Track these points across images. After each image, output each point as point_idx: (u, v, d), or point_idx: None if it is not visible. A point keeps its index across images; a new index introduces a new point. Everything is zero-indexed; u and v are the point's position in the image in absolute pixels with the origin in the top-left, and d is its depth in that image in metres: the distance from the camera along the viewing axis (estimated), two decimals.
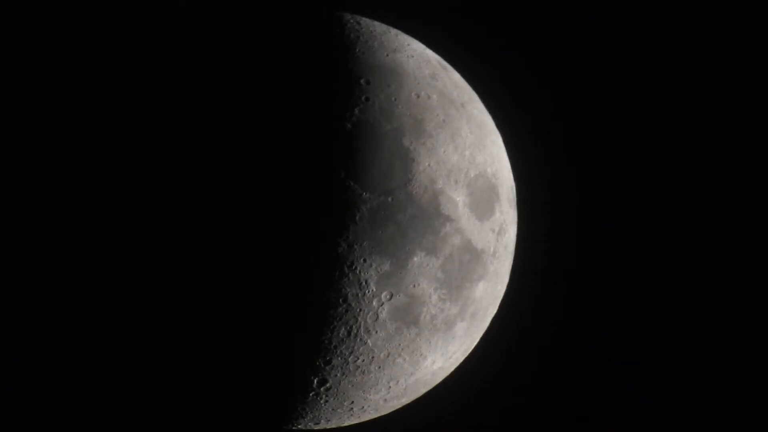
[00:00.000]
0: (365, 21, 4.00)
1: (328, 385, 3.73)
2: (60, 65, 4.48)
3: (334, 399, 3.81)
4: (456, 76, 4.12)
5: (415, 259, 3.55)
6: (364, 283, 3.49)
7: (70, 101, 4.03)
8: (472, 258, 3.77)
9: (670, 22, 5.82)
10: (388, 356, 3.71)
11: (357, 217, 3.43)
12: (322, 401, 3.81)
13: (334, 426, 4.12)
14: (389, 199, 3.48)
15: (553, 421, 5.76)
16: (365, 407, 3.98)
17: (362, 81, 3.62)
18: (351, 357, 3.64)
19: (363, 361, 3.67)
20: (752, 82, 5.76)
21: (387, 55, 3.81)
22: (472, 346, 4.26)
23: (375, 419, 4.28)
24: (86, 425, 4.74)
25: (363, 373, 3.72)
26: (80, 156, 3.76)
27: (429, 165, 3.59)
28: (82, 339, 3.94)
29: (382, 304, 3.55)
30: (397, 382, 3.88)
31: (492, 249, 3.90)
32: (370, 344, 3.63)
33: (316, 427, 4.08)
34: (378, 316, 3.57)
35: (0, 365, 4.55)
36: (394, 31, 4.06)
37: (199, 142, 3.47)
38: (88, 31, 4.73)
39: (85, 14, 4.85)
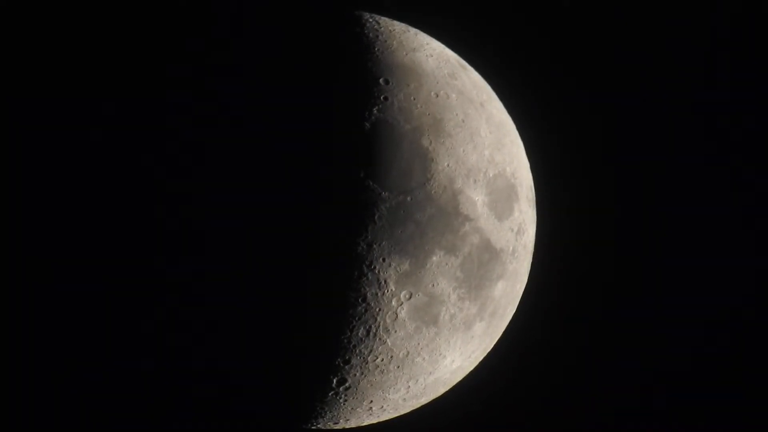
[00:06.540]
0: (384, 20, 4.00)
1: (347, 384, 3.73)
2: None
3: (353, 398, 3.82)
4: (475, 76, 4.11)
5: (434, 258, 3.55)
6: (383, 282, 3.49)
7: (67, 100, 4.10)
8: (491, 257, 3.76)
9: (694, 23, 5.77)
10: (407, 356, 3.70)
11: (376, 217, 3.43)
12: (341, 400, 3.82)
13: (353, 425, 4.13)
14: (408, 198, 3.47)
15: (571, 419, 5.73)
16: (384, 407, 3.98)
17: (381, 80, 3.62)
18: (370, 356, 3.64)
19: (382, 360, 3.68)
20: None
21: (406, 54, 3.81)
22: (491, 346, 4.25)
23: (394, 419, 4.28)
24: (111, 422, 4.79)
25: (382, 372, 3.72)
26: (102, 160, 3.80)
27: (448, 165, 3.59)
28: (107, 339, 3.99)
29: (401, 303, 3.55)
30: (416, 381, 3.88)
31: (511, 248, 3.88)
32: (389, 344, 3.63)
33: (336, 426, 4.09)
34: (397, 316, 3.57)
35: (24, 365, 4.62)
36: (413, 31, 4.05)
37: (216, 142, 3.49)
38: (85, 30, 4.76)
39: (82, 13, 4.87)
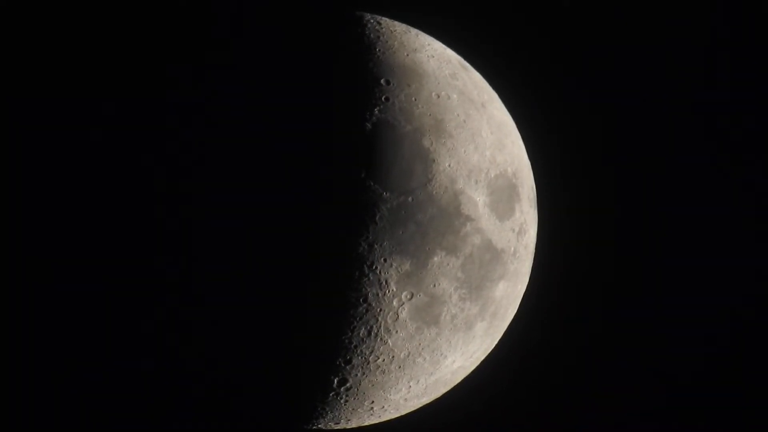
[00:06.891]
0: (385, 21, 4.00)
1: (348, 384, 3.73)
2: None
3: (354, 399, 3.82)
4: (476, 76, 4.10)
5: (436, 258, 3.54)
6: (384, 282, 3.49)
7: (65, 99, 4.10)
8: (492, 258, 3.76)
9: (694, 23, 5.77)
10: (408, 356, 3.70)
11: (377, 217, 3.43)
12: (342, 401, 3.81)
13: (354, 425, 4.13)
14: (409, 199, 3.47)
15: (571, 419, 5.73)
16: (385, 407, 3.98)
17: (382, 81, 3.62)
18: (371, 356, 3.64)
19: (383, 360, 3.68)
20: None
21: (407, 55, 3.81)
22: (492, 346, 4.25)
23: (395, 419, 4.28)
24: (111, 422, 4.79)
25: (383, 372, 3.72)
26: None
27: (449, 165, 3.59)
28: (107, 339, 3.99)
29: (403, 303, 3.55)
30: (417, 381, 3.88)
31: (512, 249, 3.88)
32: (391, 344, 3.63)
33: (336, 427, 4.09)
34: (398, 316, 3.57)
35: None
36: (414, 31, 4.05)
37: (216, 142, 3.49)
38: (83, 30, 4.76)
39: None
